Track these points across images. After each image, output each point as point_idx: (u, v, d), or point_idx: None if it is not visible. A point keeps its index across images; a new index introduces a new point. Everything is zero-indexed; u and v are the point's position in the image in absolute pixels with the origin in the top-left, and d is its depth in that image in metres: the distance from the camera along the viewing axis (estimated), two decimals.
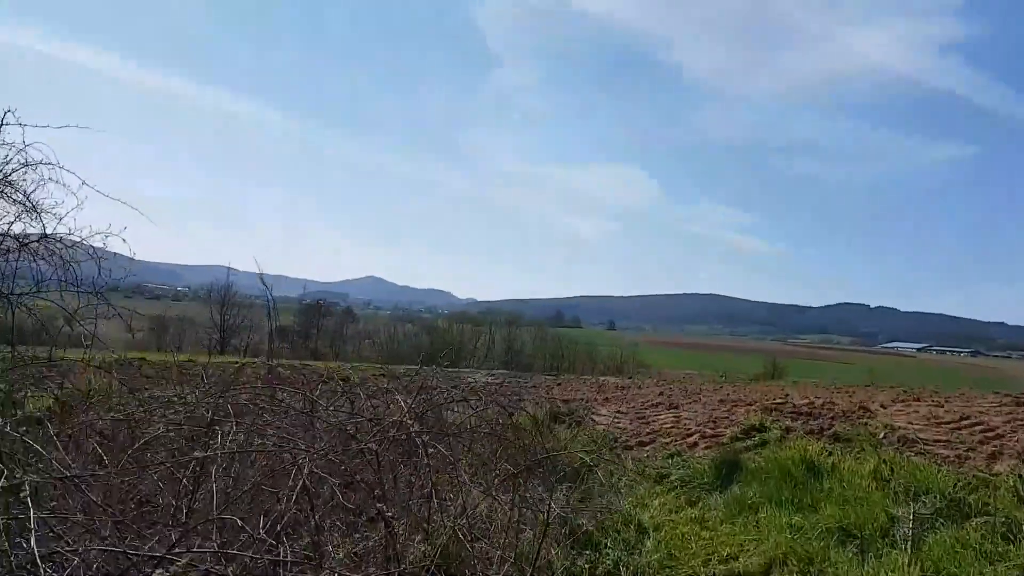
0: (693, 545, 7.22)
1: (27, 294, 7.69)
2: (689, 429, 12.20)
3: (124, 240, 7.65)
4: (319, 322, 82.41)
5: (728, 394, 18.15)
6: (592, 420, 13.57)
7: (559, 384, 24.31)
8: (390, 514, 5.47)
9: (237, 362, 17.72)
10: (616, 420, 13.61)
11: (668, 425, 12.73)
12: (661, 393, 18.99)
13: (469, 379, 17.26)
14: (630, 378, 33.93)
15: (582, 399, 17.19)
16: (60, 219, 7.74)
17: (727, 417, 12.94)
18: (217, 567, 4.12)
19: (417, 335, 77.91)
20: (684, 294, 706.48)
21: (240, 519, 4.46)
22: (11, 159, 7.57)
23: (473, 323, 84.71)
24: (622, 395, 18.75)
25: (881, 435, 10.27)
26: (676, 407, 14.97)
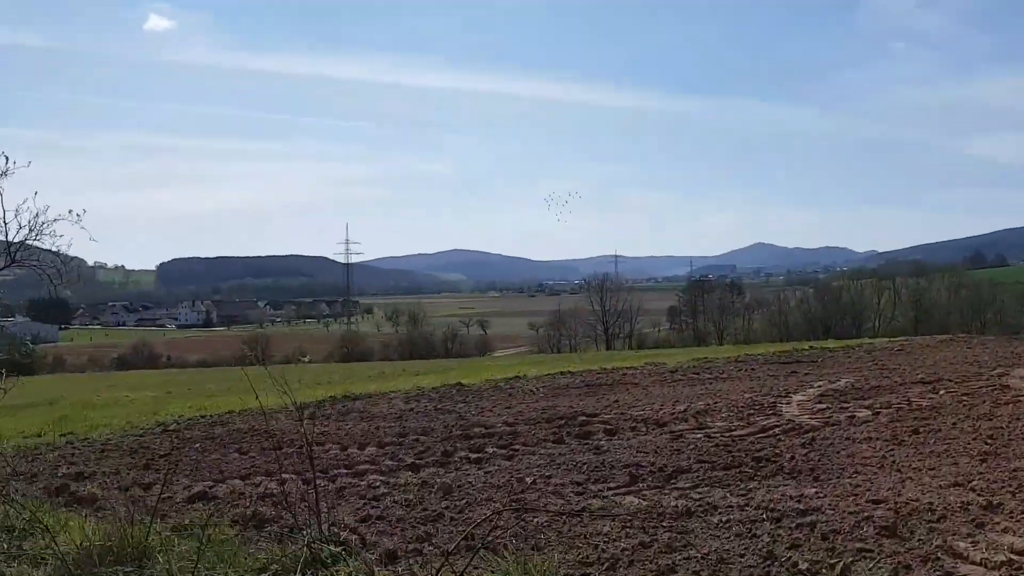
0: None
1: None
2: None
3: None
4: (702, 300, 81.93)
5: None
6: None
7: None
8: None
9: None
10: None
11: None
12: None
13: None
14: None
15: None
16: None
17: None
18: None
19: (808, 301, 73.27)
20: None
21: None
22: None
23: (874, 278, 77.50)
24: None
25: None
26: None
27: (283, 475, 7.91)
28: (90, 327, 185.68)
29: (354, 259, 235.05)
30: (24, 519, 5.55)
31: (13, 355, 57.80)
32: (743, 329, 74.12)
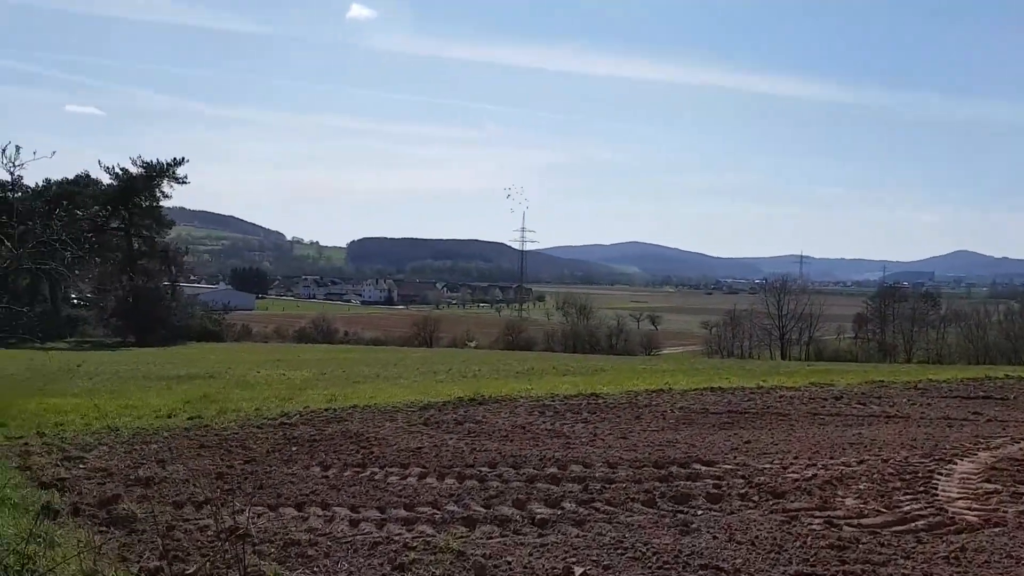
0: None
1: None
2: None
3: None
4: (893, 309, 75.33)
5: None
6: None
7: None
8: None
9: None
10: None
11: None
12: None
13: None
14: None
15: None
16: None
17: None
18: None
19: (1012, 318, 65.44)
20: None
21: None
22: None
23: None
24: None
25: None
26: None
27: (334, 508, 7.14)
28: (283, 298, 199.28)
29: (530, 247, 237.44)
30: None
31: (204, 323, 62.34)
32: (935, 344, 67.37)
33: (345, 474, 9.02)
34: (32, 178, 60.09)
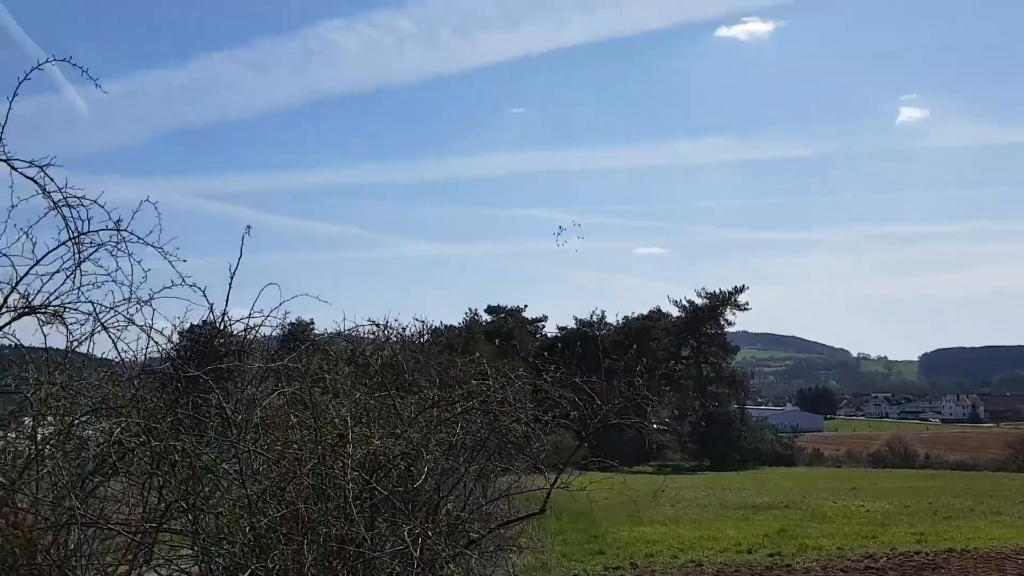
0: None
1: None
2: None
3: None
4: None
5: None
6: None
7: None
8: None
9: None
10: None
11: None
12: None
13: None
14: None
15: None
16: None
17: None
18: None
19: None
20: None
21: None
22: None
23: None
24: None
25: None
26: None
27: None
28: (854, 418, 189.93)
29: None
30: None
31: (775, 447, 62.51)
32: None
33: None
34: (611, 316, 68.66)
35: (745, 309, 66.26)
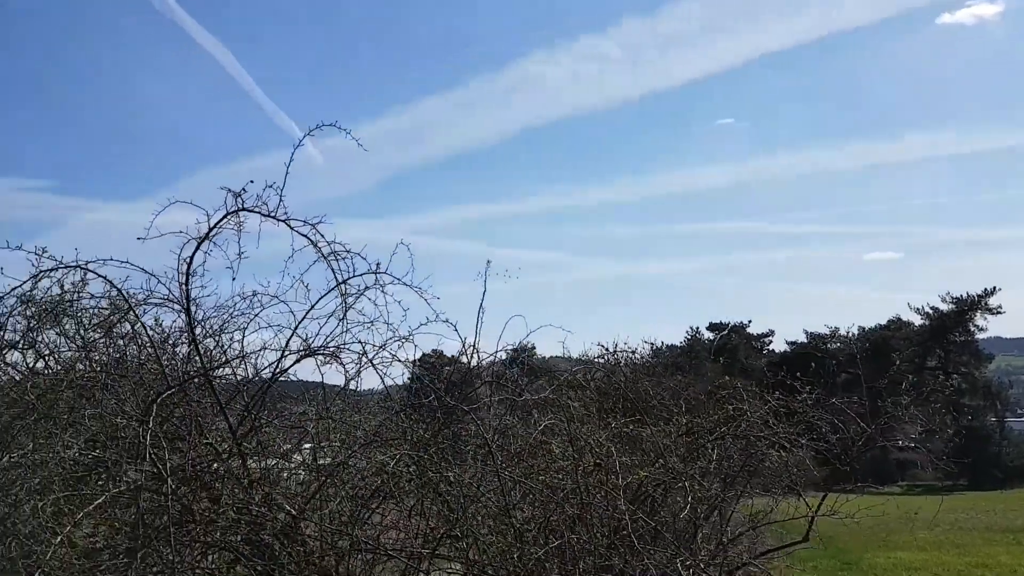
0: None
1: None
2: None
3: None
4: None
5: None
6: None
7: None
8: None
9: None
10: None
11: None
12: None
13: None
14: None
15: None
16: None
17: None
18: None
19: None
20: None
21: None
22: None
23: None
24: None
25: None
26: None
27: None
28: None
29: None
30: None
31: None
32: None
33: None
34: (844, 327, 64.51)
35: (998, 313, 59.78)
